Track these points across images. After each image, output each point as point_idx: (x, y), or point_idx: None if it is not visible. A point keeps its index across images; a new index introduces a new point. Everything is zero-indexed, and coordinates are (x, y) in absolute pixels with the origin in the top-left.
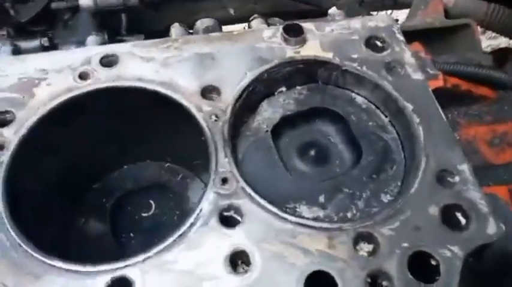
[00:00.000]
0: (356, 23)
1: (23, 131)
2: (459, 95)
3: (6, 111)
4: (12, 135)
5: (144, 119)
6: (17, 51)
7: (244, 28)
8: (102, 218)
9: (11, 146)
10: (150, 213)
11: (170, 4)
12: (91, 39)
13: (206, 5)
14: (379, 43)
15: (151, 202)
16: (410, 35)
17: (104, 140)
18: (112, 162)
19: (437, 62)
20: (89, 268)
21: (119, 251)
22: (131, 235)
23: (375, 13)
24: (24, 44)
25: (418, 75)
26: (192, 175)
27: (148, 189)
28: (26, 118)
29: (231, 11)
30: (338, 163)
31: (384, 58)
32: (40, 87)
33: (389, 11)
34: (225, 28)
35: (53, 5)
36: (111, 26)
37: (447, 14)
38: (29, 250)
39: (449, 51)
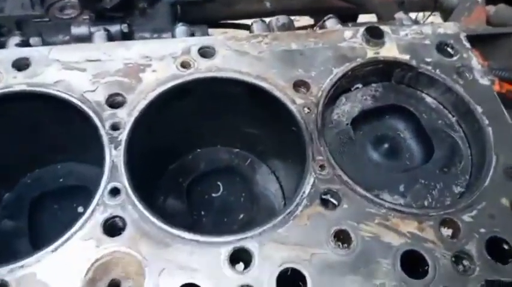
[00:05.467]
0: (427, 29)
1: (136, 113)
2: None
3: (118, 94)
4: (126, 116)
5: (233, 108)
6: (110, 37)
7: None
8: (179, 196)
9: (127, 127)
10: (219, 194)
11: None
12: (180, 30)
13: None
14: (449, 49)
15: (219, 183)
16: None
17: (193, 124)
18: (189, 145)
19: (492, 69)
20: (212, 239)
21: (195, 228)
22: (202, 213)
23: (413, 14)
24: (110, 29)
25: (485, 81)
26: (259, 160)
27: (219, 172)
28: (137, 101)
29: (267, 4)
30: (408, 156)
31: (454, 63)
32: (146, 73)
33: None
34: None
35: None
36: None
37: (488, 21)
38: (157, 222)
39: (491, 58)
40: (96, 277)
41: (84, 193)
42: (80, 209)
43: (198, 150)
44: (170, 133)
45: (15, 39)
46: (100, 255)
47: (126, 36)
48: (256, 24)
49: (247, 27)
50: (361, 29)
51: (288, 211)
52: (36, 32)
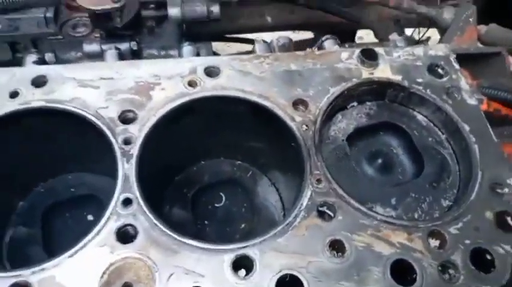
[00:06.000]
0: (419, 50)
1: (146, 129)
2: (499, 118)
3: (129, 111)
4: (137, 131)
5: (237, 124)
6: (120, 54)
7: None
8: (184, 206)
9: (138, 141)
10: (222, 204)
11: None
12: (187, 49)
13: (245, 11)
14: (439, 70)
15: (222, 194)
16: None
17: (198, 138)
18: (194, 157)
19: (482, 87)
20: (217, 246)
21: (199, 236)
22: (206, 222)
23: (409, 30)
24: (120, 47)
25: (472, 101)
26: (260, 173)
27: (222, 183)
28: (147, 117)
29: (268, 19)
30: (400, 171)
31: (444, 84)
32: (155, 91)
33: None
34: (260, 35)
35: (144, 13)
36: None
37: (480, 40)
38: (166, 230)
39: (482, 76)
40: (110, 280)
41: (94, 202)
42: (90, 217)
43: (203, 162)
44: (177, 147)
45: (33, 57)
46: (114, 260)
47: (135, 54)
48: (258, 45)
49: (249, 41)
50: (357, 51)
51: (287, 221)
52: (50, 48)
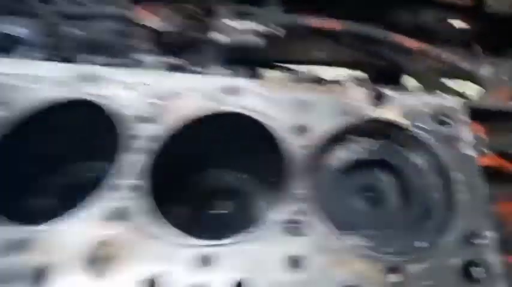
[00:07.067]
0: (430, 99)
1: (167, 132)
2: (505, 175)
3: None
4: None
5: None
6: (164, 67)
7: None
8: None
9: (159, 141)
10: (225, 212)
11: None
12: (217, 69)
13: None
14: (445, 119)
15: (226, 203)
16: (479, 114)
17: (204, 148)
18: (202, 164)
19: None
20: (190, 242)
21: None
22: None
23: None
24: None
25: (471, 152)
26: (264, 188)
27: (226, 192)
28: (170, 122)
29: (323, 55)
30: (387, 207)
31: (446, 132)
32: (181, 100)
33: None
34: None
35: (194, 34)
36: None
37: None
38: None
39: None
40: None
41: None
42: None
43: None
44: (190, 152)
45: None
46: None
47: (177, 68)
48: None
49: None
50: (369, 91)
51: (253, 230)
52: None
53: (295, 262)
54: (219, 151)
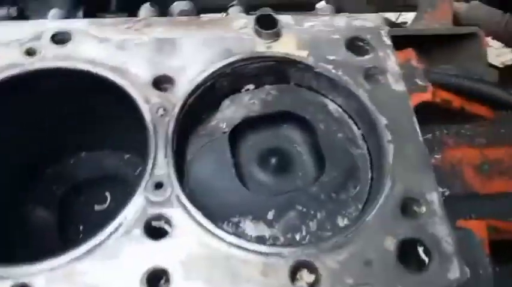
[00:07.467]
0: (340, 20)
1: None
2: (450, 112)
3: None
4: None
5: (94, 106)
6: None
7: None
8: (49, 206)
9: None
10: (105, 206)
11: None
12: (51, 13)
13: None
14: (362, 45)
15: (107, 194)
16: (410, 40)
17: (52, 122)
18: (65, 147)
19: (432, 72)
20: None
21: (61, 245)
22: (80, 228)
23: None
24: None
25: (399, 86)
26: None
27: (106, 180)
28: None
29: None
30: (301, 176)
31: (364, 63)
32: None
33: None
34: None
35: None
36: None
37: (456, 19)
38: None
39: (452, 61)
40: None
41: None
42: None
43: (83, 153)
44: (25, 132)
45: None
46: None
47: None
48: (144, 9)
49: None
50: (254, 18)
51: (97, 242)
52: None
53: (161, 278)
54: (68, 124)
